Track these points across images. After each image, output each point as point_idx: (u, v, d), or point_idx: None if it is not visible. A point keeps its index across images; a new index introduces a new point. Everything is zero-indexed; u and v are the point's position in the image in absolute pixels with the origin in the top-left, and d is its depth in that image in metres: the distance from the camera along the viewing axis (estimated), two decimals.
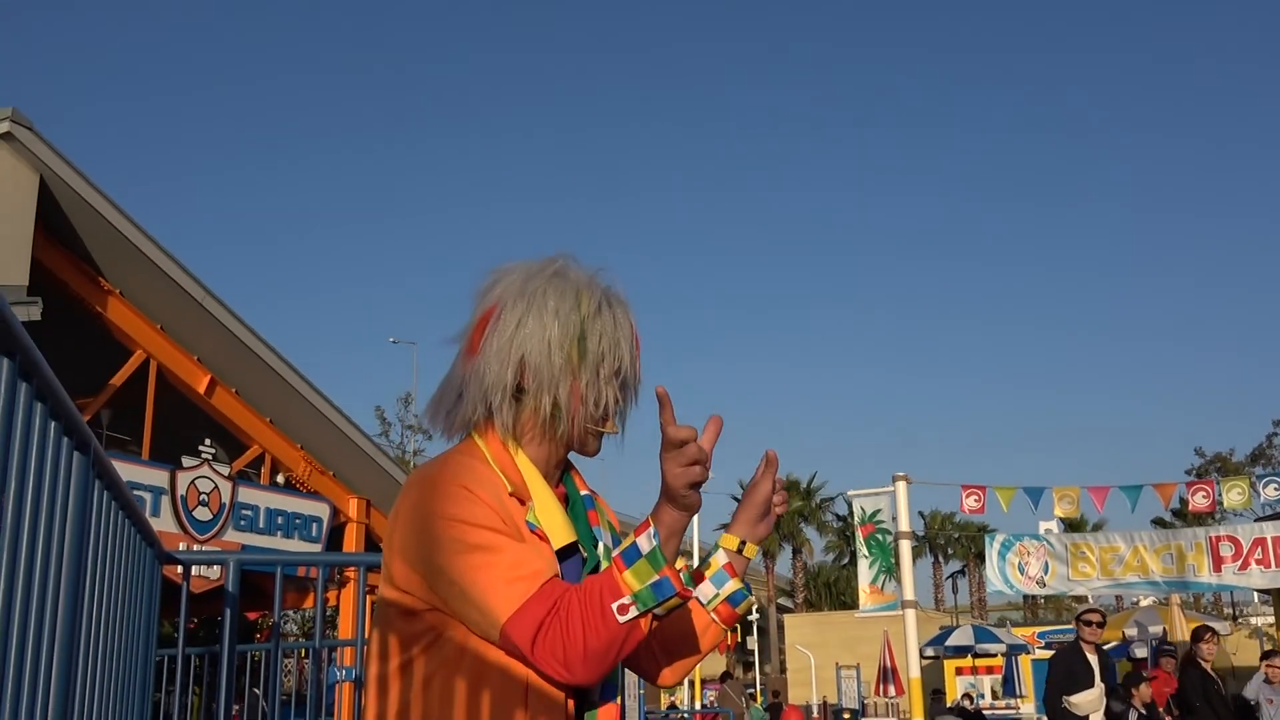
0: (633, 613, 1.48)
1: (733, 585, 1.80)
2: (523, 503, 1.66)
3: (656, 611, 1.51)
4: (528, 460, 1.73)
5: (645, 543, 1.51)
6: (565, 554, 1.68)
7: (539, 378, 1.69)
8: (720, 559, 1.82)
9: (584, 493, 1.84)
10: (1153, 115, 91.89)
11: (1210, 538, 16.46)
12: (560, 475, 1.82)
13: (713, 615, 1.81)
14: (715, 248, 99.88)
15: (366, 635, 1.71)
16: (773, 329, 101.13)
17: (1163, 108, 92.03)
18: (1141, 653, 21.33)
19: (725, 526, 1.90)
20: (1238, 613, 41.67)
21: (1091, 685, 7.90)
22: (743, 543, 1.84)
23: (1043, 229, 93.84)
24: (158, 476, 14.07)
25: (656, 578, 1.49)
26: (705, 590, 1.81)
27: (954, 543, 55.25)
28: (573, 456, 1.84)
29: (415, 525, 1.62)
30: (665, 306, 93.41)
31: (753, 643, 40.30)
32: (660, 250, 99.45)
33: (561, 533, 1.68)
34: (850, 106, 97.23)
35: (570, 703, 1.61)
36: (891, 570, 17.12)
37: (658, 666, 1.88)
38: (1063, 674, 7.99)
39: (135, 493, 12.98)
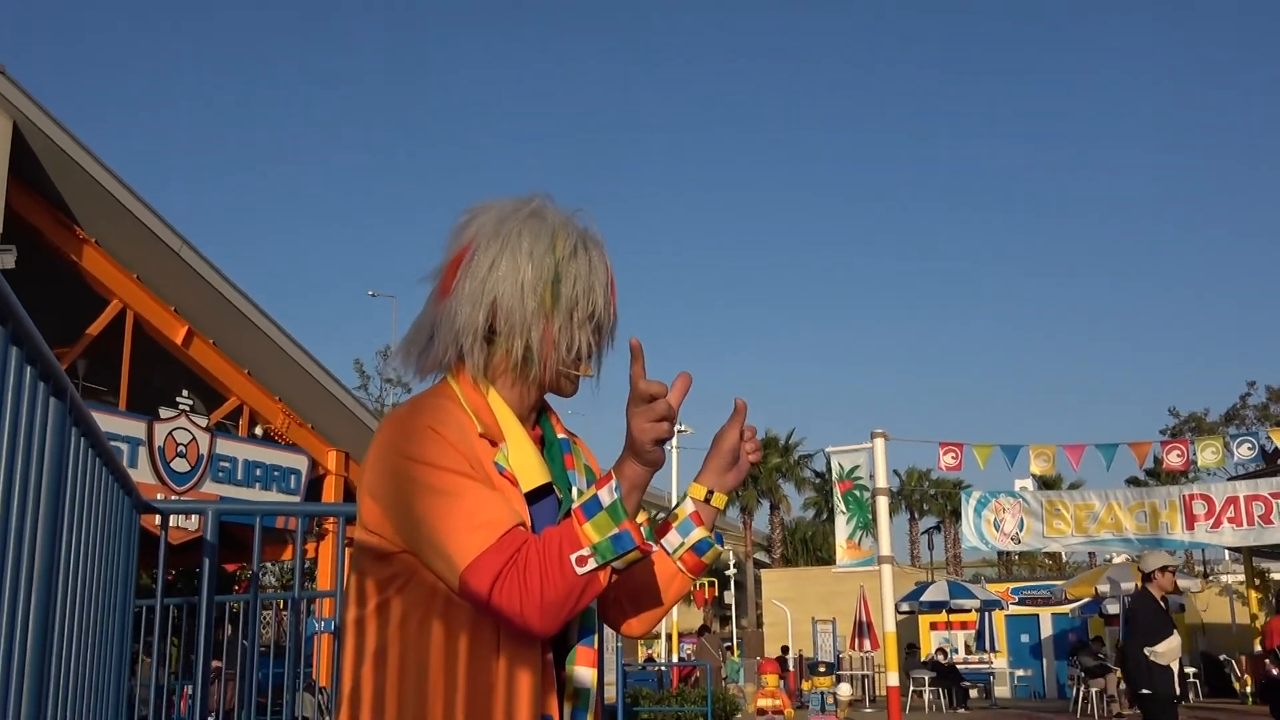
0: (591, 565, 1.48)
1: (698, 534, 1.81)
2: (494, 444, 1.65)
3: (615, 565, 1.50)
4: (501, 401, 1.71)
5: (606, 495, 1.50)
6: (539, 495, 1.67)
7: (511, 320, 1.67)
8: (687, 508, 1.83)
9: (561, 436, 1.83)
10: (1145, 62, 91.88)
11: (1184, 496, 16.65)
12: (537, 418, 1.80)
13: (678, 564, 1.82)
14: (696, 198, 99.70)
15: (345, 585, 1.70)
16: (753, 282, 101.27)
17: (1159, 54, 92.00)
18: (1114, 609, 21.61)
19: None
20: (1209, 570, 42.17)
21: (1171, 634, 7.75)
22: (710, 492, 1.83)
23: (1025, 183, 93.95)
24: (135, 427, 14.01)
25: (616, 531, 1.48)
26: (671, 539, 1.82)
27: (930, 499, 55.66)
28: (552, 400, 1.83)
29: (383, 466, 1.61)
30: (644, 254, 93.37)
31: (730, 597, 40.63)
32: (642, 194, 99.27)
33: (535, 474, 1.67)
34: (839, 38, 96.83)
35: (549, 658, 1.61)
36: (868, 526, 17.23)
37: (624, 617, 1.87)
38: (1145, 623, 7.78)
39: (112, 444, 12.92)
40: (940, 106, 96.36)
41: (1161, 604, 7.88)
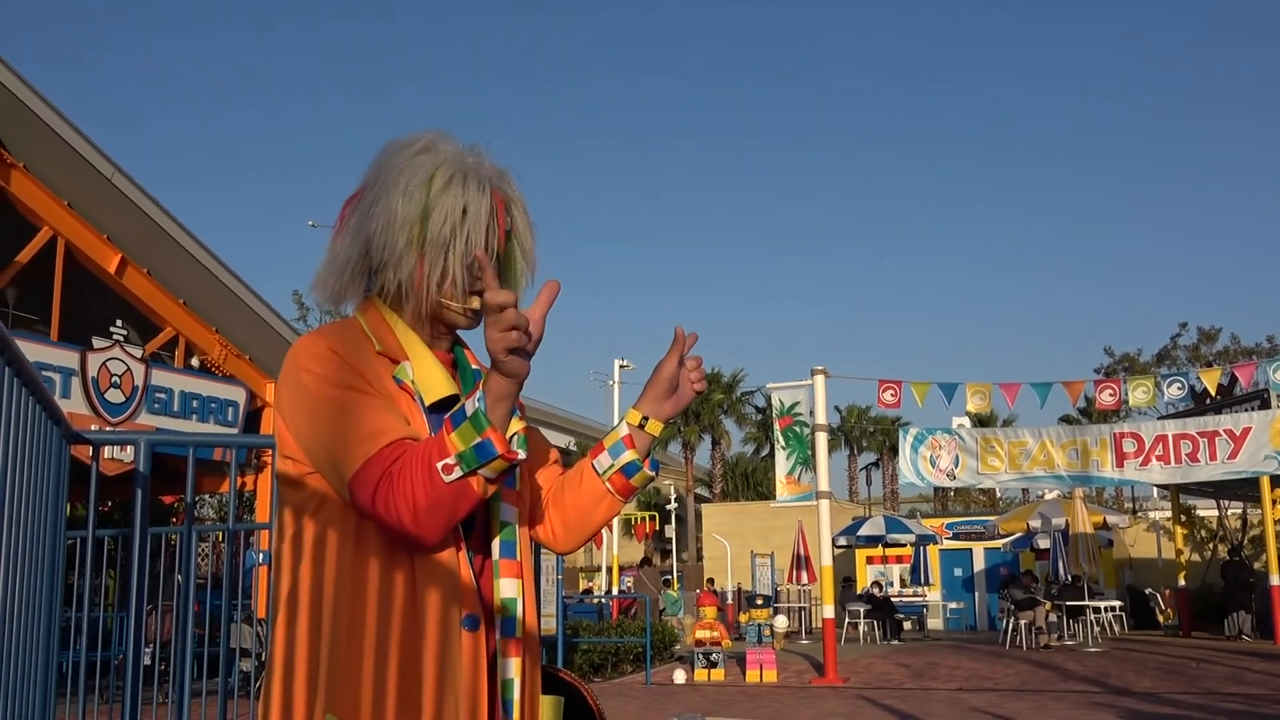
0: (457, 473, 1.53)
1: (628, 456, 1.86)
2: (395, 361, 1.71)
3: (484, 473, 1.54)
4: (406, 327, 1.77)
5: (470, 406, 1.55)
6: (448, 407, 1.72)
7: (382, 256, 1.73)
8: (620, 431, 1.88)
9: (475, 367, 1.87)
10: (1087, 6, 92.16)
11: (1114, 434, 16.99)
12: (450, 346, 1.85)
13: (607, 485, 1.87)
14: (637, 140, 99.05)
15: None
16: (698, 220, 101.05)
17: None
18: (1045, 543, 22.10)
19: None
20: (1137, 507, 43.18)
21: None
22: (645, 418, 1.88)
23: (966, 121, 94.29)
24: (68, 357, 13.76)
25: (479, 439, 1.52)
26: (602, 460, 1.88)
27: (869, 436, 56.24)
28: (468, 335, 1.88)
29: (286, 386, 1.67)
30: (588, 195, 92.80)
31: (671, 531, 40.99)
32: (588, 135, 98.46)
33: (440, 387, 1.73)
34: None
35: (462, 558, 1.65)
36: (808, 462, 17.48)
37: (551, 533, 1.92)
38: None
39: (44, 374, 12.68)
40: (881, 48, 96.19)
41: None
